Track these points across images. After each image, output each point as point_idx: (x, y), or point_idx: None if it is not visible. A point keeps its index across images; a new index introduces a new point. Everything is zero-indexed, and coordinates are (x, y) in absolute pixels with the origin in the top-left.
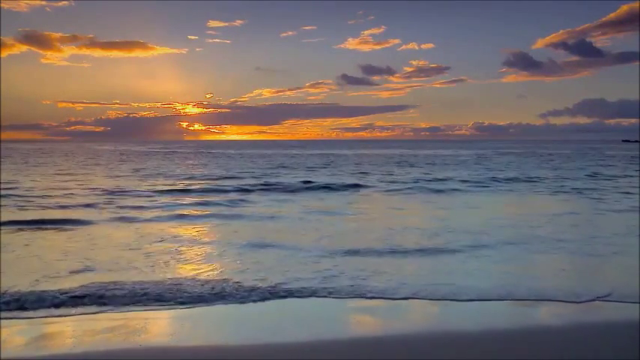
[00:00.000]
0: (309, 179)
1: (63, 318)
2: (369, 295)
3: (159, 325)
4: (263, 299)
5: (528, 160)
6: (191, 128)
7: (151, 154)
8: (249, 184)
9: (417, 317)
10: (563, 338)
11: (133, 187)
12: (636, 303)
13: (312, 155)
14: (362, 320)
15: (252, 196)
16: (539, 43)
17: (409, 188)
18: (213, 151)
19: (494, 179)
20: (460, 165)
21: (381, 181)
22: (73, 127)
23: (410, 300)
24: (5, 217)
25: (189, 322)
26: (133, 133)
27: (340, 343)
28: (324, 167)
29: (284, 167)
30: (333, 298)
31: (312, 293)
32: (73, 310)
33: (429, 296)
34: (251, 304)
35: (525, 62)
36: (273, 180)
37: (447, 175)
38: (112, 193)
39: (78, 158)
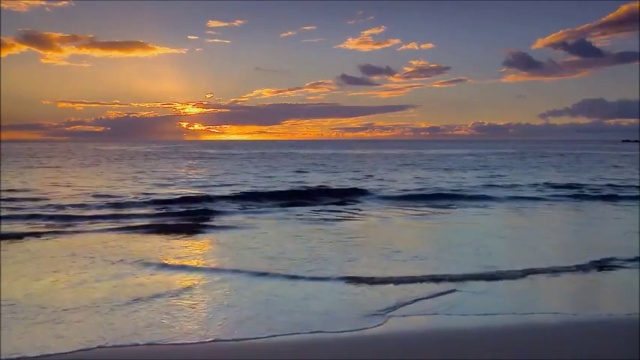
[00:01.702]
0: (320, 183)
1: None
2: None
3: (159, 326)
4: None
5: (562, 162)
6: (191, 128)
7: (149, 154)
8: (240, 191)
9: None
10: (562, 336)
11: (105, 191)
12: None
13: (321, 155)
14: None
15: (238, 206)
16: (539, 43)
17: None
18: (212, 151)
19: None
20: (497, 167)
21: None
22: (73, 127)
23: None
24: None
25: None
26: (133, 133)
27: (340, 341)
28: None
29: (283, 169)
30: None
31: None
32: None
33: None
34: None
35: (525, 62)
36: (267, 186)
37: (507, 178)
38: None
39: (68, 158)
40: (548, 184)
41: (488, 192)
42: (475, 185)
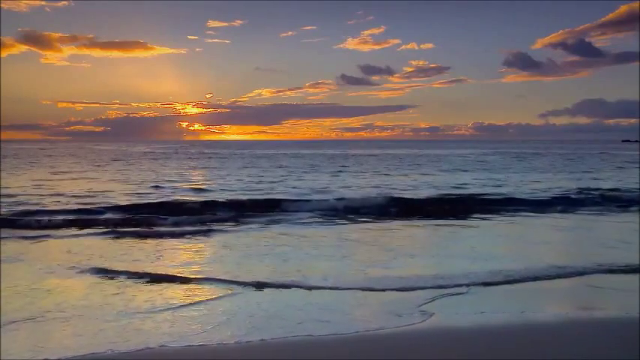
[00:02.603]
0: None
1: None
2: None
3: (160, 327)
4: None
5: (575, 162)
6: (191, 128)
7: (149, 154)
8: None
9: None
10: (561, 335)
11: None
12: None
13: (328, 156)
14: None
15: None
16: (539, 43)
17: None
18: (212, 151)
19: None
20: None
21: None
22: (72, 127)
23: None
24: None
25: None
26: (133, 133)
27: (338, 340)
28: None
29: (283, 169)
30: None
31: None
32: None
33: None
34: None
35: (525, 62)
36: (257, 194)
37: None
38: None
39: (65, 159)
40: (590, 189)
41: (545, 195)
42: (538, 188)
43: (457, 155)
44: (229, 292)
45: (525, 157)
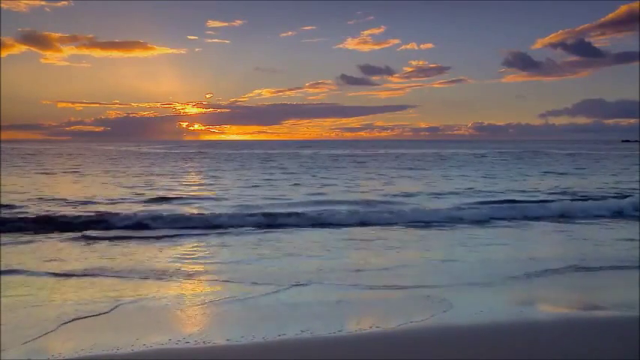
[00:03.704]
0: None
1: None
2: None
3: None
4: None
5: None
6: (191, 128)
7: (149, 154)
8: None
9: None
10: (561, 334)
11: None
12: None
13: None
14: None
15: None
16: (539, 43)
17: None
18: (212, 151)
19: None
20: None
21: None
22: (72, 127)
23: None
24: None
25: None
26: (133, 133)
27: (339, 339)
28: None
29: (281, 169)
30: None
31: None
32: None
33: None
34: None
35: (525, 62)
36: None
37: None
38: None
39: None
40: None
41: None
42: None
43: (478, 155)
44: (227, 292)
45: (547, 157)
